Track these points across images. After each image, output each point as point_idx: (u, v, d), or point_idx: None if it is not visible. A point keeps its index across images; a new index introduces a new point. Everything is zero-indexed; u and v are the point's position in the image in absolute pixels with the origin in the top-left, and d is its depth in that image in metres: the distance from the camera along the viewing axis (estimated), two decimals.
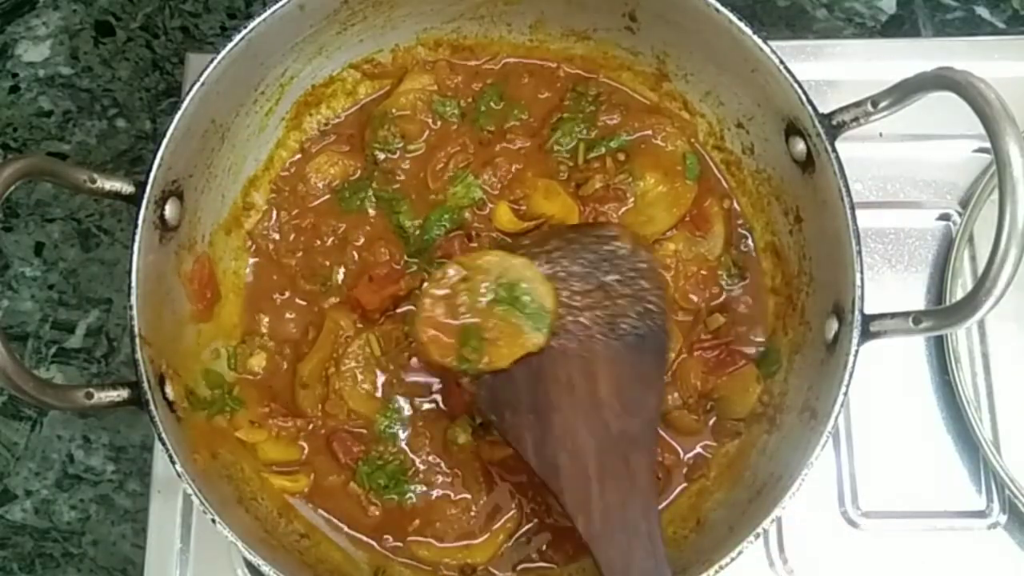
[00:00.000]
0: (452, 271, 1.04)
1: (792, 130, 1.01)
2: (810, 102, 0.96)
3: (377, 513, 1.07)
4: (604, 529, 0.93)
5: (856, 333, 0.92)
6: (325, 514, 1.07)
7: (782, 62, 0.98)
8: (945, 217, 1.20)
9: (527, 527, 1.07)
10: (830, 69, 1.22)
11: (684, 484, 1.08)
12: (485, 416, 1.02)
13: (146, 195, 0.94)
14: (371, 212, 1.14)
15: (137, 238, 0.94)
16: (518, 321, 1.02)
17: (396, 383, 1.09)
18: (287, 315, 1.12)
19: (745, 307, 1.11)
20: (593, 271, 1.05)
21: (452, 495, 1.07)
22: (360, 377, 1.08)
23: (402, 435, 1.08)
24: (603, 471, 0.96)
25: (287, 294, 1.12)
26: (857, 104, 0.94)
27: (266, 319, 1.12)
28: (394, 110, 1.15)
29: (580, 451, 0.97)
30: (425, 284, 1.05)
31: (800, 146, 1.00)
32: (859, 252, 0.93)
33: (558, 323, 1.02)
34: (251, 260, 1.13)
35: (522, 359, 1.01)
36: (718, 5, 0.99)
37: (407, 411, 1.09)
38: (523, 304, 1.02)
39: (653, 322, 1.03)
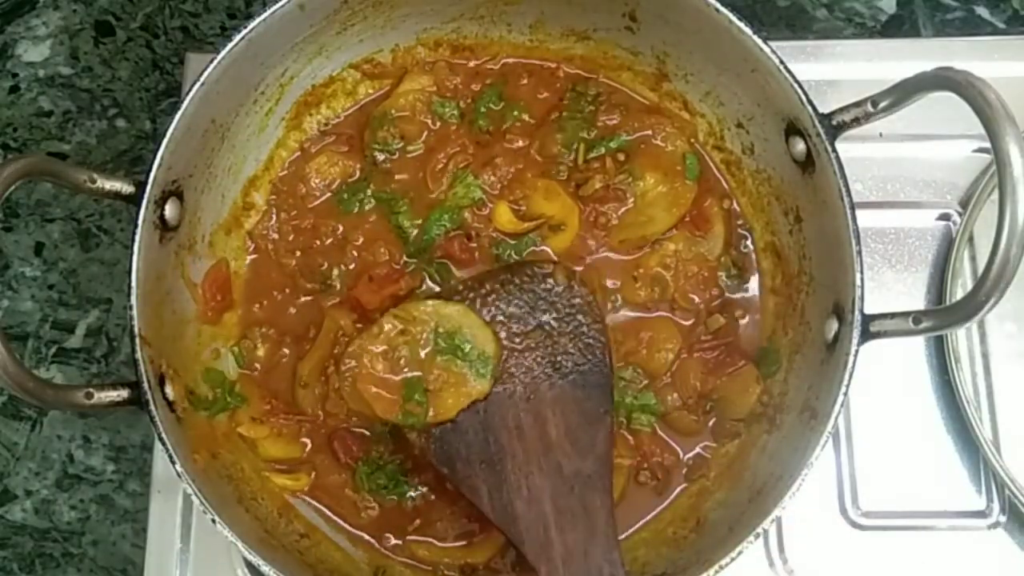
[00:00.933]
0: (388, 325, 1.02)
1: (792, 130, 1.01)
2: (810, 102, 0.96)
3: (376, 513, 1.07)
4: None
5: (856, 333, 0.92)
6: (326, 511, 1.07)
7: (782, 62, 0.98)
8: (945, 217, 1.20)
9: None
10: (830, 69, 1.22)
11: (684, 484, 1.08)
12: (437, 469, 1.02)
13: (146, 195, 0.94)
14: (370, 212, 1.14)
15: (137, 238, 0.94)
16: (461, 369, 1.01)
17: None
18: (289, 310, 1.12)
19: (745, 307, 1.11)
20: (531, 311, 1.04)
21: (452, 495, 1.07)
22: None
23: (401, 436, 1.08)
24: (560, 515, 0.96)
25: (287, 291, 1.13)
26: (857, 104, 0.94)
27: (266, 311, 1.12)
28: (393, 111, 1.15)
29: (536, 496, 0.97)
30: (360, 340, 1.03)
31: (800, 146, 1.00)
32: (859, 252, 0.93)
33: (501, 368, 1.02)
34: (249, 258, 1.13)
35: (468, 408, 1.01)
36: (718, 5, 0.99)
37: None
38: (464, 352, 1.01)
39: (595, 356, 1.03)
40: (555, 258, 1.11)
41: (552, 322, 1.04)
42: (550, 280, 1.05)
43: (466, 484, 0.99)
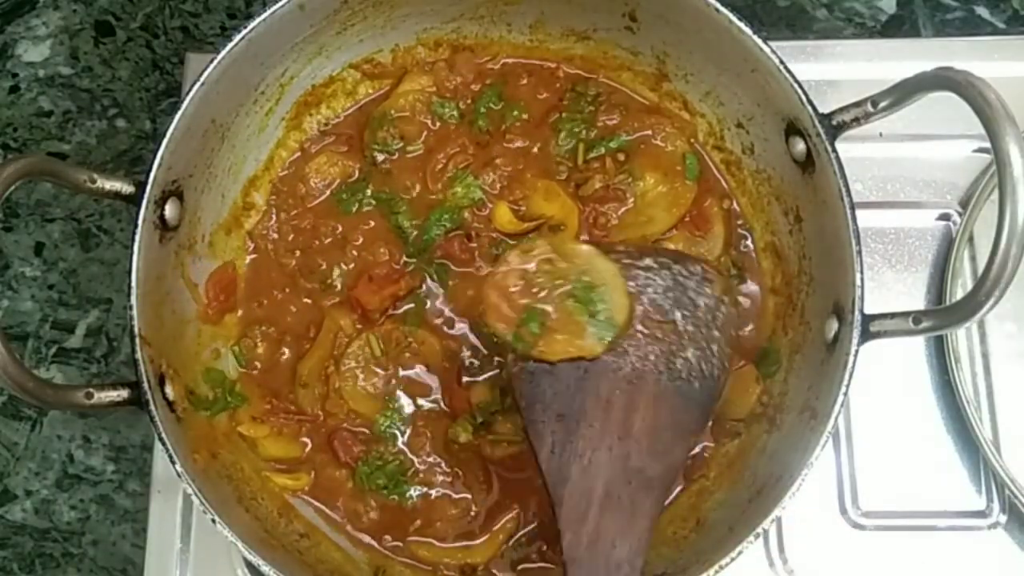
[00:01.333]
0: (541, 248, 1.01)
1: (792, 130, 1.01)
2: (810, 102, 0.96)
3: (376, 515, 1.07)
4: (586, 555, 0.92)
5: (856, 333, 0.91)
6: (327, 511, 1.07)
7: (782, 62, 0.98)
8: (945, 217, 1.20)
9: (527, 527, 1.07)
10: (830, 69, 1.22)
11: (684, 484, 1.08)
12: (516, 402, 1.00)
13: (146, 195, 0.94)
14: (370, 213, 1.14)
15: (137, 238, 0.94)
16: (583, 322, 0.99)
17: (396, 383, 1.09)
18: (289, 309, 1.12)
19: (745, 307, 1.11)
20: (674, 305, 1.02)
21: (452, 495, 1.07)
22: (360, 377, 1.08)
23: (402, 435, 1.08)
24: (608, 499, 0.94)
25: (287, 291, 1.13)
26: (857, 104, 0.94)
27: (266, 310, 1.12)
28: (393, 111, 1.15)
29: (593, 471, 0.95)
30: (510, 252, 1.02)
31: (800, 146, 1.00)
32: (859, 252, 0.93)
33: (620, 340, 1.00)
34: (249, 258, 1.13)
35: (572, 360, 0.99)
36: (718, 5, 0.99)
37: (408, 410, 1.09)
38: (596, 308, 1.00)
39: (711, 375, 1.00)
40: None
41: (689, 325, 1.02)
42: (707, 287, 1.03)
43: (536, 428, 0.97)
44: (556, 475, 0.95)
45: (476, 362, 1.09)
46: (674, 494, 1.08)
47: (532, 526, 1.07)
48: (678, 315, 1.02)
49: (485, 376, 1.09)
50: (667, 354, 1.00)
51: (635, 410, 0.98)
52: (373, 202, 1.14)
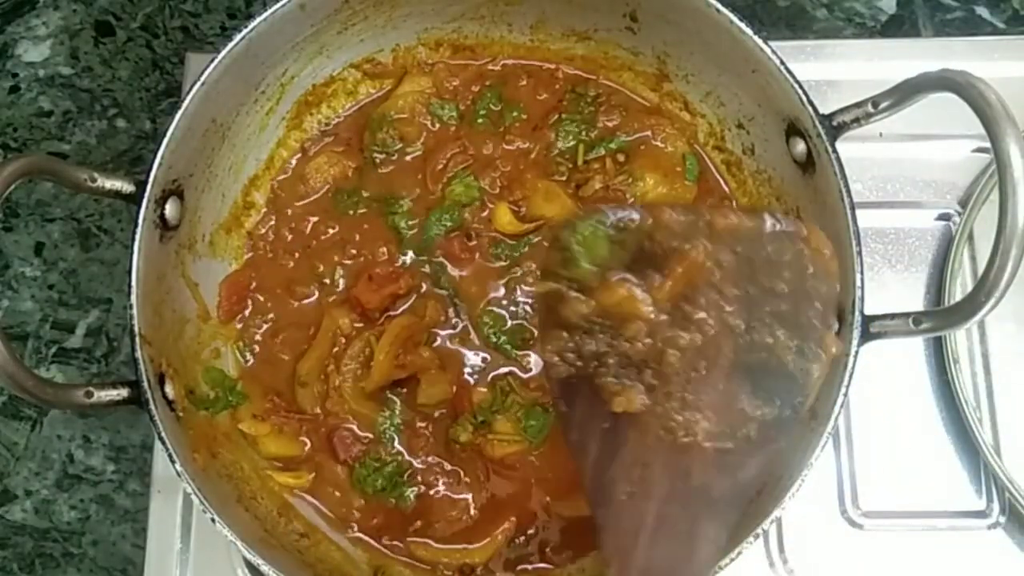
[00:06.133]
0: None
1: (792, 131, 1.01)
2: (810, 103, 0.96)
3: (375, 518, 1.07)
4: None
5: (856, 334, 0.91)
6: (326, 512, 1.07)
7: (782, 62, 0.98)
8: (945, 217, 1.20)
9: (527, 527, 1.07)
10: (830, 69, 1.22)
11: None
12: (555, 401, 0.83)
13: (146, 194, 0.94)
14: (369, 213, 1.14)
15: (137, 238, 0.94)
16: None
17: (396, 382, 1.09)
18: (290, 307, 1.12)
19: None
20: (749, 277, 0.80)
21: (452, 495, 1.07)
22: (360, 376, 1.08)
23: (401, 435, 1.08)
24: (662, 524, 0.76)
25: (287, 290, 1.12)
26: (858, 105, 0.94)
27: (266, 305, 1.12)
28: (392, 113, 1.15)
29: (645, 488, 0.77)
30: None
31: (800, 147, 1.00)
32: (859, 252, 0.93)
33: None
34: (248, 255, 1.13)
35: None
36: (718, 5, 0.99)
37: (408, 410, 1.09)
38: None
39: (803, 355, 0.79)
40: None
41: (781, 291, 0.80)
42: (786, 242, 0.80)
43: (575, 434, 0.80)
44: (599, 494, 0.78)
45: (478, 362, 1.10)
46: None
47: (532, 526, 1.07)
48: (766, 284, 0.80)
49: (486, 376, 1.09)
50: (746, 329, 0.79)
51: (699, 409, 0.78)
52: (372, 203, 1.14)
